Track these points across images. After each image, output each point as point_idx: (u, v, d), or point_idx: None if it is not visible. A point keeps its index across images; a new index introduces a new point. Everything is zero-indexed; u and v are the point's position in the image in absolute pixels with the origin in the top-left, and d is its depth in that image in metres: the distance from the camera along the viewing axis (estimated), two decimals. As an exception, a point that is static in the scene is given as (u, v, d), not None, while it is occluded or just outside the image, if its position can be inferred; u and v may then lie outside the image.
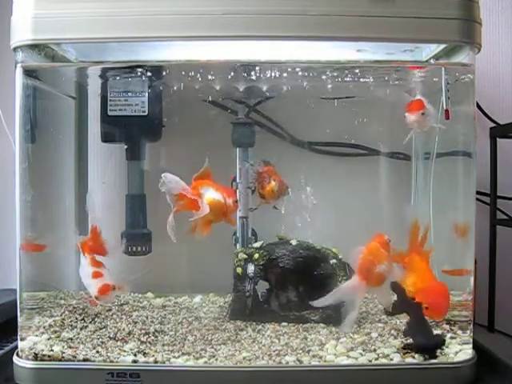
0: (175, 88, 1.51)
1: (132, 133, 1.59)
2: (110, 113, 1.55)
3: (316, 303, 1.23)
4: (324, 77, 1.44)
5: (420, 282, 1.40)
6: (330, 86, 1.49)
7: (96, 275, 1.25)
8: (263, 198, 1.43)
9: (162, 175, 1.25)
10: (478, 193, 1.52)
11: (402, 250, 1.43)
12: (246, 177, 1.43)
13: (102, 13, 1.18)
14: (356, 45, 1.28)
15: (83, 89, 1.69)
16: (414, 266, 1.43)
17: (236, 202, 1.34)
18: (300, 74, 1.42)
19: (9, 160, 1.67)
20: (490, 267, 1.61)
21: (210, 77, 1.42)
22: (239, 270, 1.48)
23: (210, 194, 1.29)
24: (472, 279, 1.33)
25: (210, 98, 1.61)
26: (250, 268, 1.47)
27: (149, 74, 1.44)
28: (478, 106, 1.75)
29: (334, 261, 1.46)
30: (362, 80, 1.45)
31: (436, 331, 1.34)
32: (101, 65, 1.40)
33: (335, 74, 1.43)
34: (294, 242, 1.50)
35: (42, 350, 1.24)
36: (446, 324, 1.39)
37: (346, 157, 1.75)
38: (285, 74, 1.42)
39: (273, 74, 1.42)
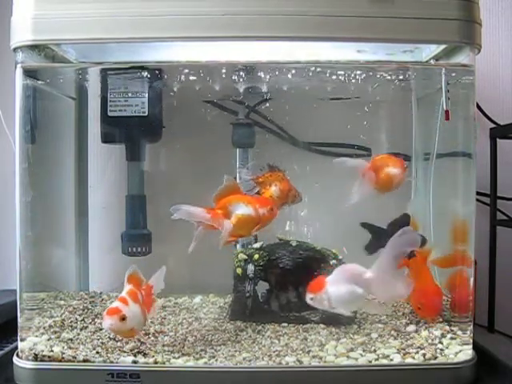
0: (175, 89, 1.51)
1: (132, 133, 1.59)
2: (110, 113, 1.55)
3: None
4: (324, 77, 1.44)
5: (416, 281, 1.41)
6: (329, 86, 1.49)
7: (120, 299, 1.20)
8: None
9: (172, 210, 1.20)
10: (478, 193, 1.52)
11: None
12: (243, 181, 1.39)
13: (102, 13, 1.18)
14: (356, 45, 1.28)
15: (83, 89, 1.69)
16: (415, 264, 1.45)
17: (272, 209, 1.28)
18: (300, 74, 1.42)
19: (9, 160, 1.67)
20: (490, 267, 1.61)
21: (210, 77, 1.42)
22: (239, 270, 1.48)
23: (239, 211, 1.25)
24: (472, 279, 1.33)
25: (210, 99, 1.61)
26: (250, 269, 1.47)
27: (149, 74, 1.44)
28: (478, 107, 1.75)
29: (334, 261, 1.46)
30: (361, 81, 1.45)
31: (436, 331, 1.35)
32: (101, 65, 1.40)
33: (335, 74, 1.43)
34: (293, 243, 1.50)
35: (42, 351, 1.24)
36: (447, 325, 1.39)
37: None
38: (285, 75, 1.42)
39: (273, 75, 1.42)
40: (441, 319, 1.44)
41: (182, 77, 1.43)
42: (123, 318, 1.17)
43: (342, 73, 1.41)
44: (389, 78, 1.44)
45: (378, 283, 1.13)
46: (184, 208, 1.20)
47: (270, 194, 1.38)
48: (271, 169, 1.41)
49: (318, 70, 1.39)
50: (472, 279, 1.33)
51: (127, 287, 1.24)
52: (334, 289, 1.17)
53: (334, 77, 1.43)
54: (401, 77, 1.46)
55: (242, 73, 1.41)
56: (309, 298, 1.21)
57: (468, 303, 1.32)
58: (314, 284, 1.21)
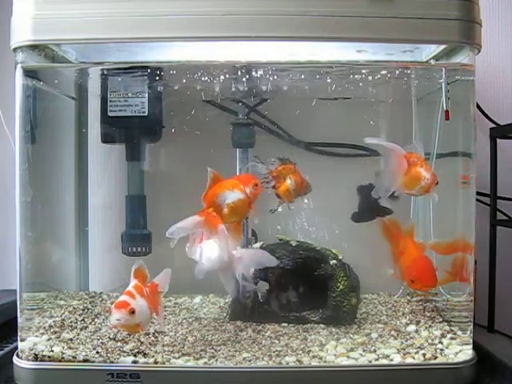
0: (175, 88, 1.51)
1: (132, 133, 1.59)
2: (110, 113, 1.55)
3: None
4: (324, 77, 1.44)
5: (407, 259, 1.42)
6: (329, 86, 1.48)
7: (127, 293, 1.20)
8: (279, 198, 1.38)
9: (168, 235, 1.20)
10: (477, 193, 1.52)
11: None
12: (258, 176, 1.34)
13: (101, 13, 1.18)
14: (356, 45, 1.28)
15: (83, 89, 1.69)
16: (404, 246, 1.46)
17: (256, 185, 1.24)
18: (300, 74, 1.42)
19: (9, 160, 1.67)
20: (490, 267, 1.61)
21: (210, 77, 1.42)
22: (239, 270, 1.48)
23: (228, 199, 1.21)
24: (472, 279, 1.33)
25: (210, 99, 1.61)
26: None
27: (149, 74, 1.44)
28: (478, 107, 1.75)
29: (334, 261, 1.46)
30: (361, 81, 1.45)
31: (436, 331, 1.35)
32: (101, 65, 1.40)
33: (335, 74, 1.43)
34: (293, 243, 1.50)
35: (42, 351, 1.24)
36: (447, 325, 1.39)
37: (346, 157, 1.75)
38: (285, 75, 1.42)
39: (273, 75, 1.42)
40: (441, 319, 1.44)
41: (182, 77, 1.43)
42: (132, 312, 1.16)
43: (342, 73, 1.41)
44: (389, 78, 1.44)
45: (237, 263, 1.22)
46: (174, 227, 1.19)
47: (286, 188, 1.36)
48: (283, 162, 1.39)
49: (318, 69, 1.39)
50: (472, 279, 1.33)
51: (133, 282, 1.24)
52: (206, 246, 1.21)
53: (333, 77, 1.43)
54: (401, 77, 1.46)
55: (242, 73, 1.40)
56: (187, 246, 1.25)
57: (468, 272, 1.32)
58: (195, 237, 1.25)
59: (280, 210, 1.45)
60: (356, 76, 1.42)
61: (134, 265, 1.27)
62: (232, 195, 1.22)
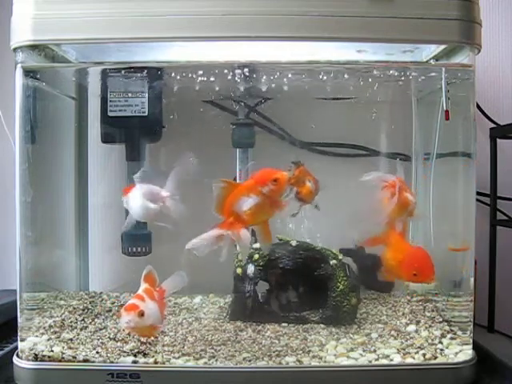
0: (175, 88, 1.51)
1: (132, 133, 1.59)
2: (110, 113, 1.55)
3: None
4: (324, 77, 1.44)
5: (399, 254, 1.36)
6: (329, 86, 1.48)
7: (137, 297, 1.21)
8: (302, 201, 1.36)
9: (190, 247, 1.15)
10: (477, 193, 1.52)
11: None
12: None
13: (101, 13, 1.18)
14: (356, 45, 1.28)
15: (83, 89, 1.69)
16: (390, 240, 1.39)
17: (275, 180, 1.12)
18: (300, 74, 1.42)
19: (9, 160, 1.67)
20: (490, 267, 1.61)
21: (210, 77, 1.42)
22: (239, 270, 1.48)
23: (245, 206, 1.12)
24: (472, 279, 1.33)
25: (210, 99, 1.61)
26: (250, 269, 1.47)
27: (149, 74, 1.44)
28: (478, 107, 1.76)
29: (334, 261, 1.46)
30: (361, 81, 1.45)
31: (436, 331, 1.35)
32: (101, 65, 1.40)
33: (335, 74, 1.43)
34: (293, 243, 1.50)
35: (42, 351, 1.24)
36: (447, 325, 1.39)
37: (346, 157, 1.75)
38: (285, 75, 1.42)
39: (273, 75, 1.42)
40: (441, 319, 1.44)
41: (182, 77, 1.43)
42: (142, 314, 1.16)
43: (342, 73, 1.41)
44: (389, 78, 1.44)
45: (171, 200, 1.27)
46: (196, 241, 1.14)
47: (308, 190, 1.34)
48: (297, 165, 1.37)
49: (318, 69, 1.39)
50: (472, 279, 1.33)
51: (143, 286, 1.25)
52: (132, 201, 1.28)
53: (333, 77, 1.43)
54: (401, 77, 1.46)
55: (242, 73, 1.40)
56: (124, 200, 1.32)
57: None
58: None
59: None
60: (356, 76, 1.42)
61: (144, 270, 1.27)
62: (248, 202, 1.13)
